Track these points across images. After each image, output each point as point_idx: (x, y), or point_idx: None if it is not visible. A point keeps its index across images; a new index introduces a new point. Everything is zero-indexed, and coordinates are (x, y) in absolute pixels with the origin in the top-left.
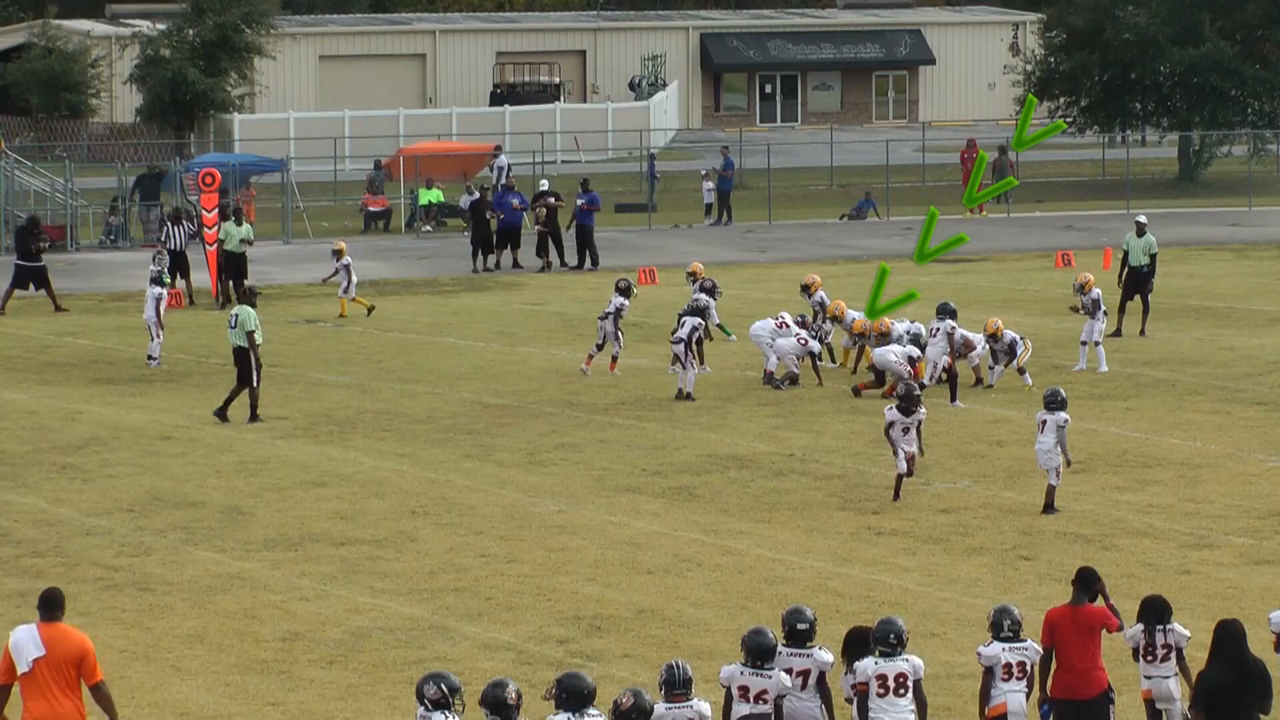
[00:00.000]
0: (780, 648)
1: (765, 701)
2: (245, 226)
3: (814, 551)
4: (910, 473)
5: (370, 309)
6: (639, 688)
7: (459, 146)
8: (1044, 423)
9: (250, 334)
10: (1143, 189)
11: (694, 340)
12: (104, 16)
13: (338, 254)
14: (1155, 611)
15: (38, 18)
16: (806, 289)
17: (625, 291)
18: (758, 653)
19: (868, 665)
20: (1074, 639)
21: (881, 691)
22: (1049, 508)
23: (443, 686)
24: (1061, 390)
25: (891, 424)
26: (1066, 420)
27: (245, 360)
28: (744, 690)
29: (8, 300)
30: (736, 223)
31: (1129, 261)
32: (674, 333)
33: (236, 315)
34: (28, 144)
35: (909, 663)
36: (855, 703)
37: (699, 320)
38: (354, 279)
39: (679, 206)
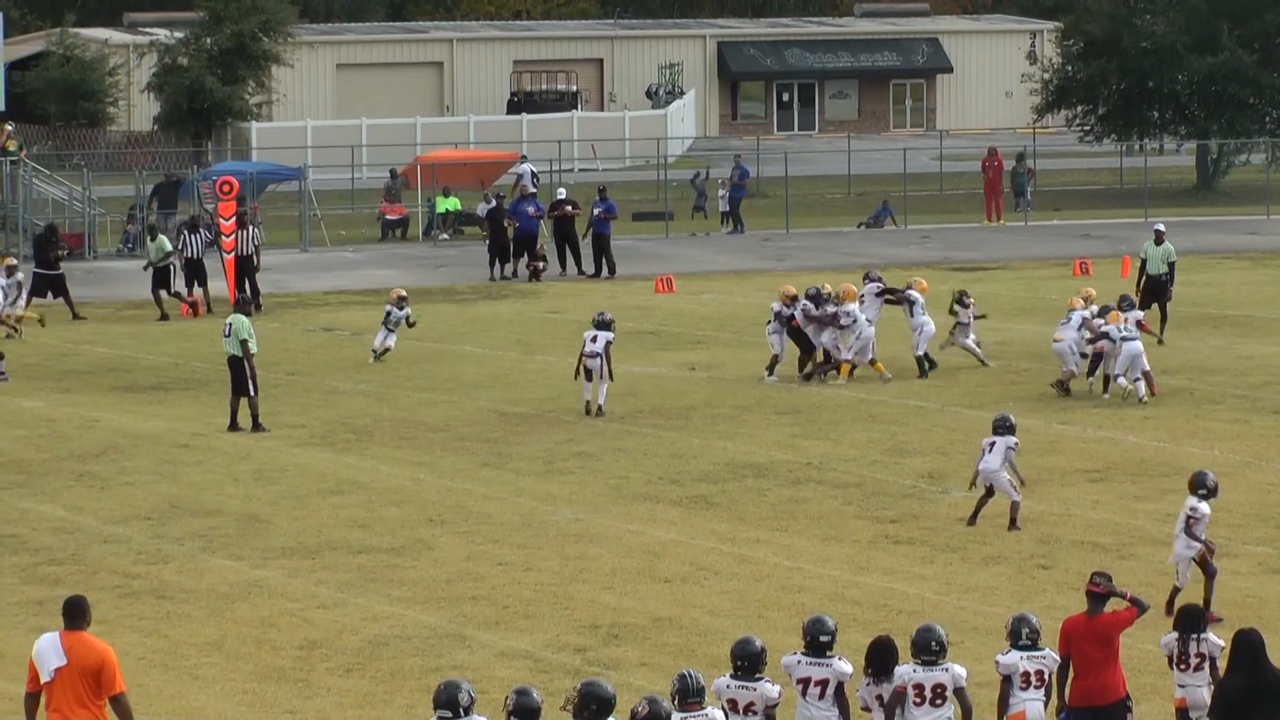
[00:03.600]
0: (800, 657)
1: (755, 713)
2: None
3: (831, 560)
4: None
5: (40, 320)
6: (655, 695)
7: (476, 154)
8: (992, 444)
9: (244, 343)
10: (1160, 197)
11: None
12: (122, 25)
13: (10, 270)
14: (1191, 621)
15: (55, 26)
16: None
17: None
18: (742, 661)
19: (905, 672)
20: (1090, 647)
21: (918, 700)
22: (1013, 524)
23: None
24: (1011, 415)
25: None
26: (1016, 444)
27: (240, 369)
28: (732, 703)
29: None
30: (754, 231)
31: (1147, 270)
32: (586, 347)
33: (230, 324)
34: (45, 152)
35: (949, 673)
36: (884, 705)
37: (611, 334)
38: (23, 292)
39: (697, 215)
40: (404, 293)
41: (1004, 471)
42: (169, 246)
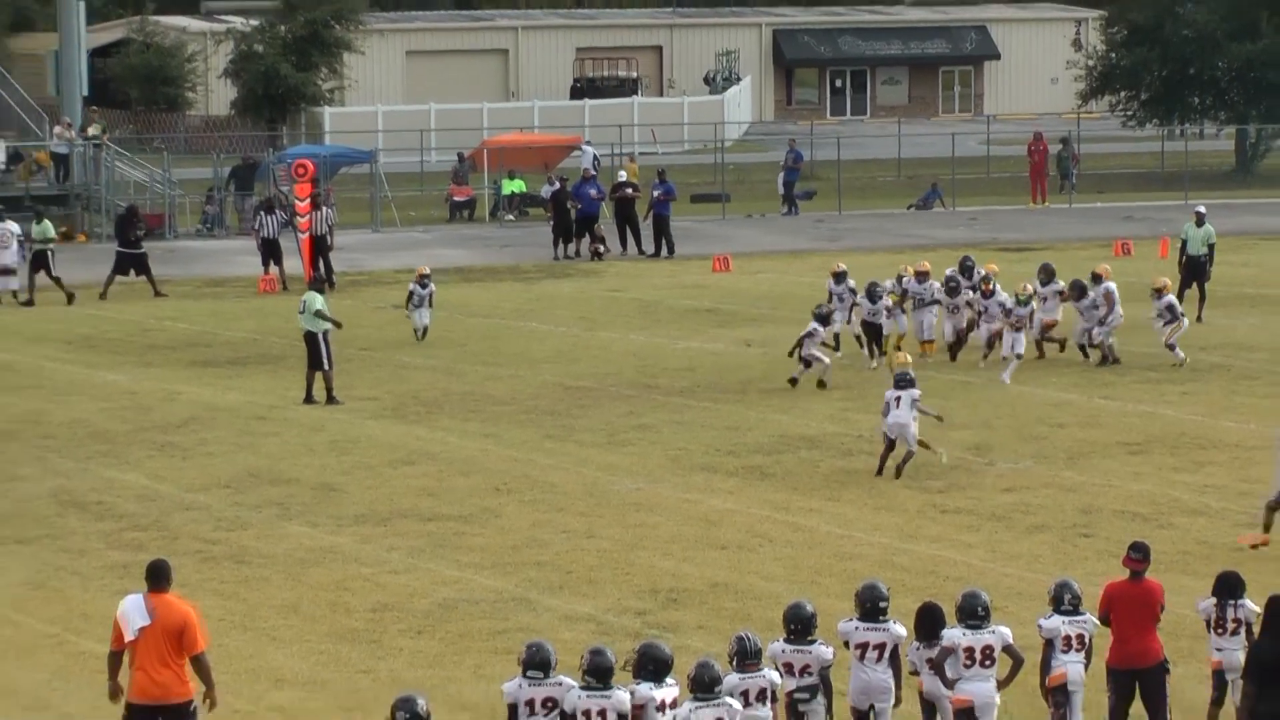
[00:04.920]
0: (856, 623)
1: (810, 674)
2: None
3: (881, 528)
4: None
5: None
6: (708, 658)
7: (540, 139)
8: (898, 399)
9: (318, 314)
10: (1201, 181)
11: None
12: (199, 13)
13: None
14: (1229, 587)
15: (136, 14)
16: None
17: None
18: (795, 626)
19: (955, 635)
20: (1132, 612)
21: (968, 663)
22: (899, 473)
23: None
24: (910, 371)
25: None
26: (919, 395)
27: (315, 344)
28: (788, 666)
29: (109, 285)
30: (808, 212)
31: (1188, 250)
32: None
33: (305, 301)
34: (127, 136)
35: (995, 634)
36: (934, 667)
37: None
38: None
39: (753, 197)
40: (427, 270)
41: (913, 425)
42: (52, 232)
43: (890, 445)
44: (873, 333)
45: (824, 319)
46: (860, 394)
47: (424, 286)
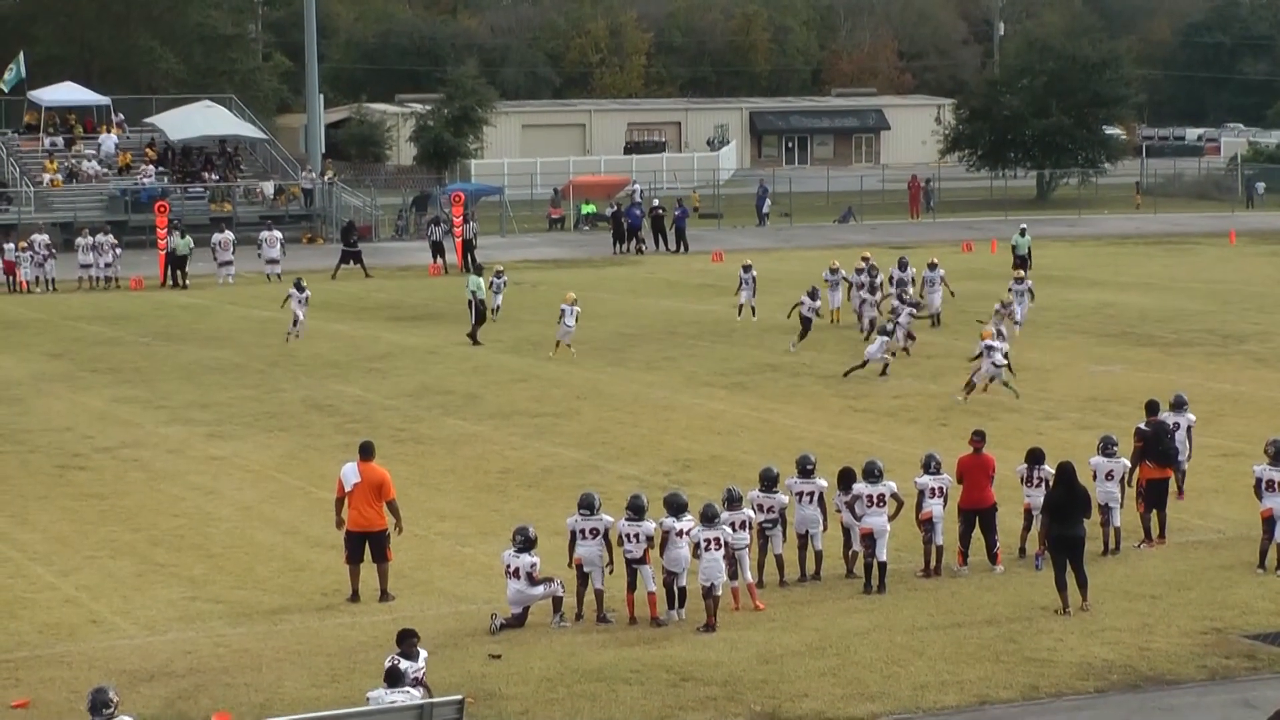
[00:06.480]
0: (795, 479)
1: (774, 512)
2: (187, 239)
3: (816, 421)
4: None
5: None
6: (711, 501)
7: (605, 179)
8: (874, 340)
9: (474, 292)
10: (1014, 205)
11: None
12: (394, 102)
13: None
14: (1035, 457)
15: (354, 102)
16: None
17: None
18: (765, 481)
19: (862, 487)
20: (974, 474)
21: (869, 505)
22: (884, 374)
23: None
24: (888, 325)
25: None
26: (885, 341)
27: (471, 307)
28: (760, 506)
29: (337, 270)
30: (773, 225)
31: (1016, 251)
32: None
33: (469, 280)
34: (348, 177)
35: (886, 486)
36: (849, 508)
37: (805, 297)
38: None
39: (737, 215)
40: (501, 267)
41: (879, 351)
42: (192, 244)
43: (864, 363)
44: (805, 324)
45: (812, 294)
46: (804, 341)
47: (499, 277)
